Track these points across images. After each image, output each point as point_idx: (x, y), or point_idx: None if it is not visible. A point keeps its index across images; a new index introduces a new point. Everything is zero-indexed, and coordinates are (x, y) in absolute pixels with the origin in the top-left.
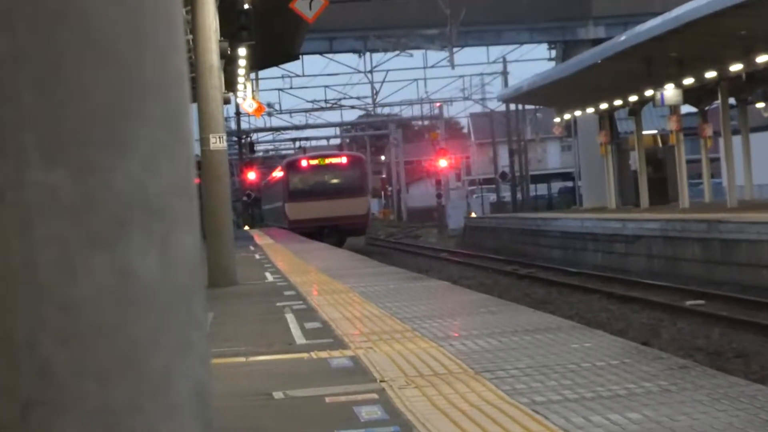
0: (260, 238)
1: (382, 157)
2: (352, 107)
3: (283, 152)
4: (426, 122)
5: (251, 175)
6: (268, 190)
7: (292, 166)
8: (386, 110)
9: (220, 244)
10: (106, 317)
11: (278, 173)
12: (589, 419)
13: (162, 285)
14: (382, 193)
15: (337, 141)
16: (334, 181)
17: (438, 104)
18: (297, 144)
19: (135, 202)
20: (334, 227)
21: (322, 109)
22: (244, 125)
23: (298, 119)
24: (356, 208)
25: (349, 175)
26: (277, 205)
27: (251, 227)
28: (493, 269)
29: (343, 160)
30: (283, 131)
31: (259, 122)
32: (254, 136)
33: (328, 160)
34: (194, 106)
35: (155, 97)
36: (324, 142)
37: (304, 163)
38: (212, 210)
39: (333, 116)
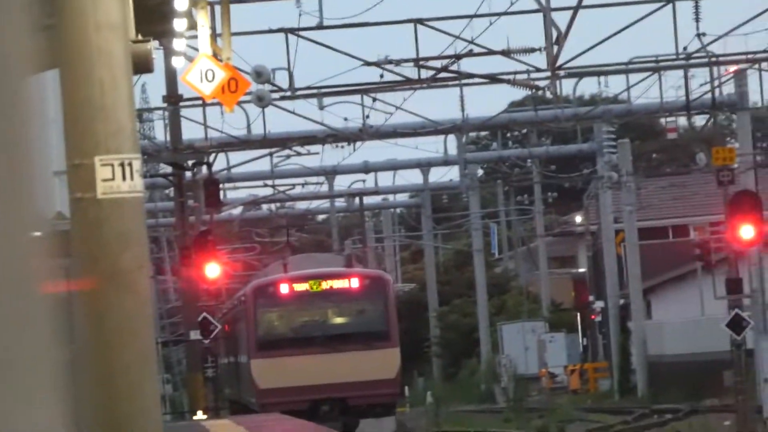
0: None
1: (577, 219)
2: (492, 79)
3: (295, 208)
4: (694, 120)
5: (211, 271)
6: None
7: (261, 294)
8: (585, 87)
9: None
10: None
11: (238, 303)
12: None
13: None
14: (578, 317)
15: (447, 173)
16: (339, 320)
17: (733, 69)
18: (333, 185)
19: None
20: (338, 402)
21: (408, 84)
22: (191, 133)
23: (342, 113)
24: (378, 368)
25: (366, 310)
26: (239, 359)
27: (210, 411)
28: None
29: (354, 282)
30: (297, 150)
31: (237, 122)
32: (219, 162)
33: (327, 283)
34: (54, 75)
35: None
36: (406, 178)
37: (283, 288)
38: (104, 365)
39: (438, 108)
